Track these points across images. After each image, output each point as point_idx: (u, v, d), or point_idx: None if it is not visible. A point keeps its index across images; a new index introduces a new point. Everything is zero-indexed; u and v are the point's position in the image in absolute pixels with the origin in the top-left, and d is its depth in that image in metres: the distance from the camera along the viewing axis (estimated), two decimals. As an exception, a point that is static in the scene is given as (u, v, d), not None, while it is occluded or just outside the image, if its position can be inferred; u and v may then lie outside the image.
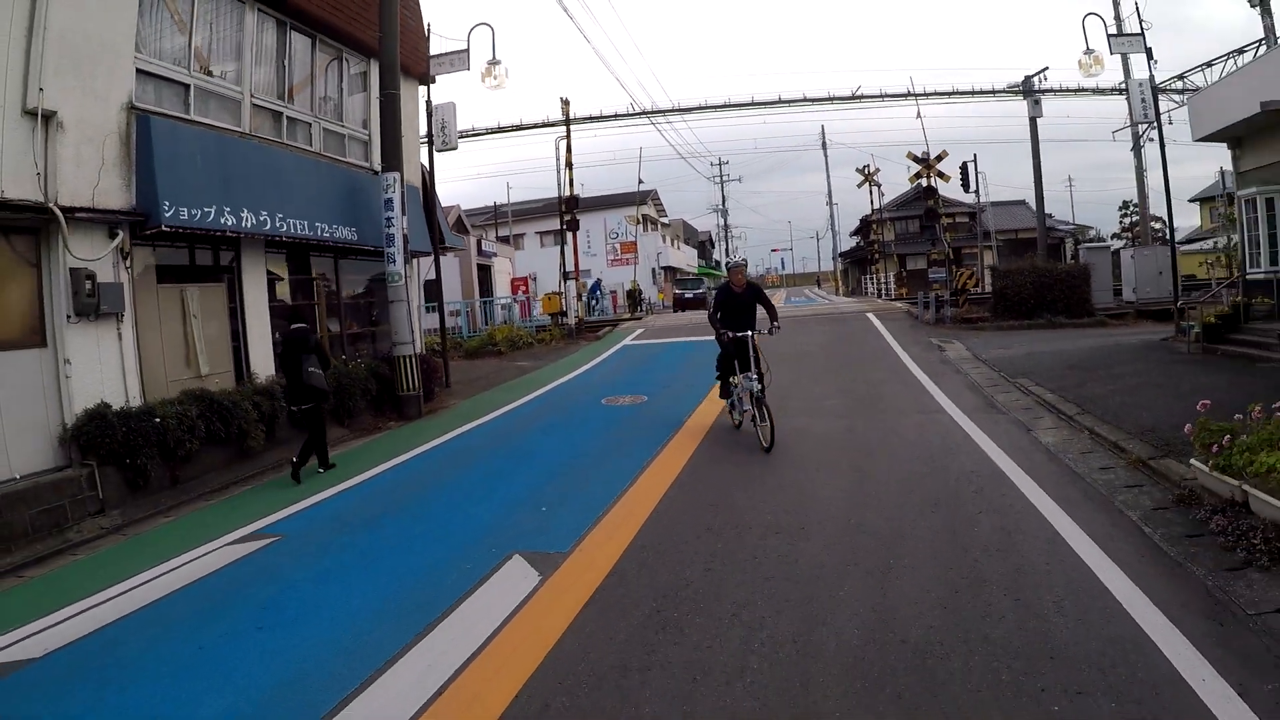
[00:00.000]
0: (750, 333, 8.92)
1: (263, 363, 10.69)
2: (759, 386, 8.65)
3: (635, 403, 12.40)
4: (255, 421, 9.52)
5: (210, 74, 10.29)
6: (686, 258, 70.18)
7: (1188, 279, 24.21)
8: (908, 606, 4.46)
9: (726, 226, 76.41)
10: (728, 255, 78.64)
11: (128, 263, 8.70)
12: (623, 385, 14.33)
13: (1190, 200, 45.01)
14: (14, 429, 7.58)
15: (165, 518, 8.03)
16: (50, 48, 7.81)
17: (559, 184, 27.95)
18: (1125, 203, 43.47)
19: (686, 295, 41.53)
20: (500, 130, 33.71)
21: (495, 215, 47.18)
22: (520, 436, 10.72)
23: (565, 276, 27.23)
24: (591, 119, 35.12)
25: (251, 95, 10.89)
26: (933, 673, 3.72)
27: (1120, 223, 44.65)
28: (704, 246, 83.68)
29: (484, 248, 34.92)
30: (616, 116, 35.34)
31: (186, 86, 9.81)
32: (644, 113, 35.95)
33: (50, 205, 7.68)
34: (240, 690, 4.18)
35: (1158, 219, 37.43)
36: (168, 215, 8.70)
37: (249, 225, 9.95)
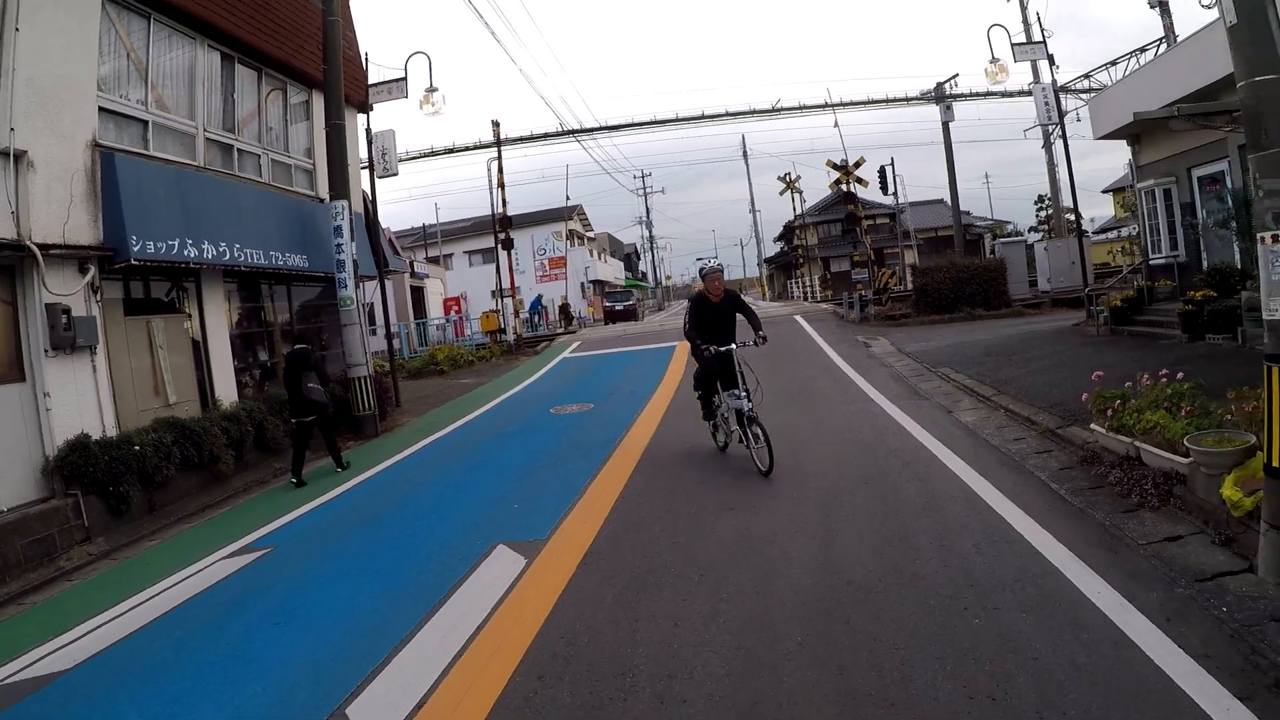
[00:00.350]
0: (734, 346, 8.03)
1: (226, 389, 11.06)
2: (749, 405, 7.67)
3: (583, 410, 12.95)
4: (225, 446, 9.91)
5: (166, 110, 10.66)
6: (614, 270, 71.11)
7: (1103, 267, 25.66)
8: (849, 557, 5.25)
9: (652, 238, 77.70)
10: (654, 267, 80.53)
11: (98, 296, 9.03)
12: (568, 395, 14.85)
13: (1104, 191, 47.20)
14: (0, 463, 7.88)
15: (150, 541, 8.38)
16: (19, 90, 8.17)
17: (492, 204, 28.41)
18: (1040, 197, 45.78)
19: (617, 307, 42.58)
20: (434, 154, 34.03)
21: (424, 236, 47.29)
22: (480, 447, 11.23)
23: (502, 294, 27.71)
24: (523, 140, 35.63)
25: (204, 129, 11.28)
26: (874, 603, 4.51)
27: (1036, 216, 46.86)
28: (630, 259, 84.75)
29: (417, 269, 35.13)
30: (547, 136, 35.94)
31: (145, 123, 10.18)
32: (572, 132, 36.64)
33: (27, 242, 8.02)
34: (273, 675, 4.70)
35: (1072, 211, 39.46)
36: (136, 249, 9.07)
37: (210, 256, 10.34)
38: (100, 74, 9.47)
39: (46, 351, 8.31)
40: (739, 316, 8.41)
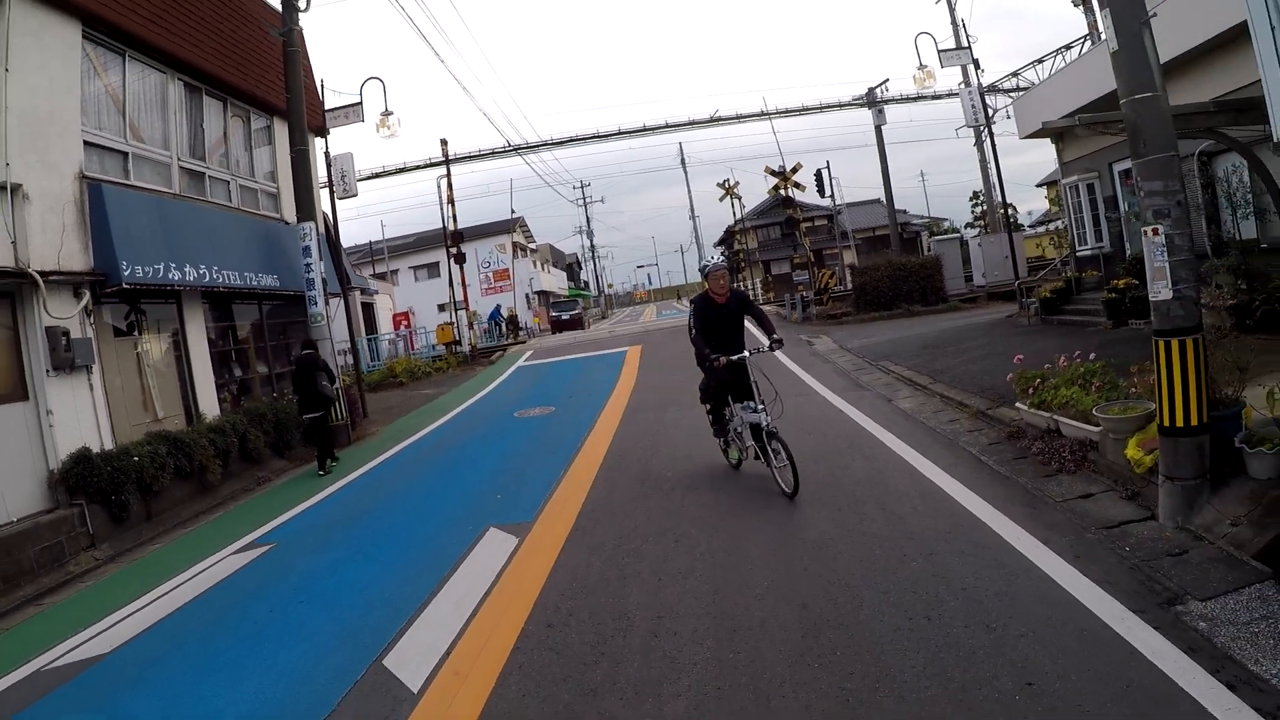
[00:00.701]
0: (747, 353, 7.18)
1: (208, 403, 11.63)
2: (767, 419, 6.83)
3: (545, 413, 13.65)
4: (212, 457, 10.49)
5: (142, 141, 11.21)
6: (557, 281, 71.90)
7: (1037, 260, 26.48)
8: (805, 522, 6.14)
9: (593, 247, 78.66)
10: (597, 276, 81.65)
11: (91, 319, 9.57)
12: (529, 400, 15.52)
13: (1037, 185, 48.82)
14: (7, 476, 8.38)
15: (152, 545, 8.97)
16: (12, 127, 8.72)
17: (443, 219, 29.08)
18: (975, 193, 47.25)
19: (563, 317, 43.72)
20: (385, 173, 34.46)
21: (371, 253, 47.48)
22: (453, 448, 11.97)
23: (455, 307, 28.34)
24: (471, 157, 36.26)
25: (178, 158, 11.85)
26: (828, 554, 5.41)
27: (972, 212, 48.28)
28: (571, 268, 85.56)
29: (367, 286, 35.45)
30: (495, 154, 36.62)
31: (125, 154, 10.75)
32: (518, 149, 37.36)
33: (29, 270, 8.58)
34: (307, 642, 5.41)
35: (1010, 205, 41.13)
36: (126, 274, 9.67)
37: (192, 279, 10.95)
38: (83, 109, 10.00)
39: (48, 372, 8.85)
40: (748, 321, 7.72)
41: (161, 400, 10.77)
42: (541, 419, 13.22)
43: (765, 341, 7.35)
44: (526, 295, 54.97)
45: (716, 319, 7.38)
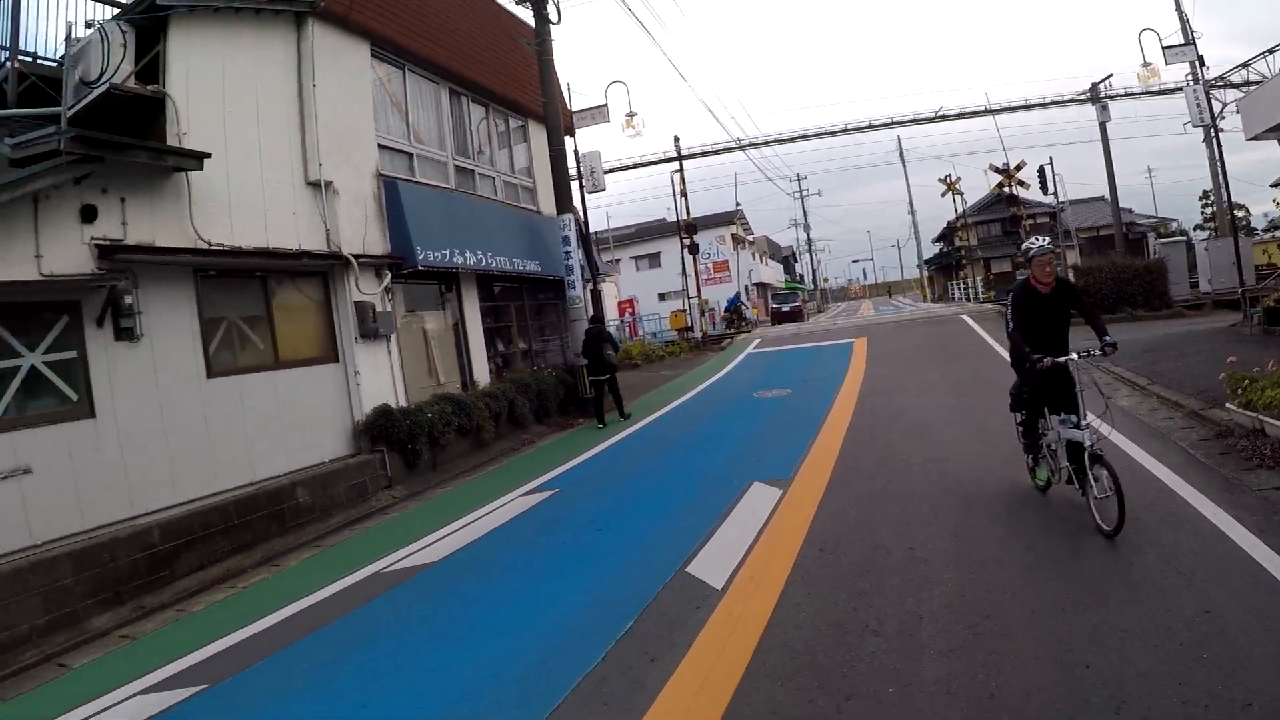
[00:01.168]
0: (1073, 356, 5.80)
1: (481, 372, 13.11)
2: (1091, 438, 5.52)
3: (782, 394, 14.19)
4: (487, 418, 11.82)
5: (423, 143, 12.79)
6: (774, 273, 71.83)
7: (1266, 268, 23.86)
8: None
9: (810, 240, 77.60)
10: (813, 269, 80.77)
11: (389, 296, 11.10)
12: (765, 383, 16.11)
13: (1272, 184, 43.39)
14: (324, 424, 9.99)
15: (439, 489, 10.32)
16: (322, 134, 10.27)
17: (676, 211, 30.64)
18: (1205, 193, 42.51)
19: (783, 309, 44.76)
20: (621, 168, 36.31)
21: (596, 243, 49.97)
22: (701, 420, 12.94)
23: (688, 295, 29.60)
24: (703, 153, 37.25)
25: (452, 158, 13.38)
26: (1050, 509, 5.68)
27: (1202, 213, 43.55)
28: (787, 261, 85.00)
29: (610, 274, 37.60)
30: (726, 150, 37.38)
31: (410, 154, 12.33)
32: (744, 145, 37.89)
33: (346, 254, 10.15)
34: (613, 557, 6.40)
35: (1242, 206, 36.81)
36: (420, 258, 11.18)
37: (470, 263, 12.42)
38: (374, 116, 11.58)
39: (356, 339, 10.40)
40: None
41: (443, 367, 12.27)
42: (780, 399, 13.78)
43: (1096, 344, 5.91)
44: (745, 287, 55.44)
45: (1038, 311, 6.06)
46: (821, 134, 39.37)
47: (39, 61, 9.18)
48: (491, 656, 4.72)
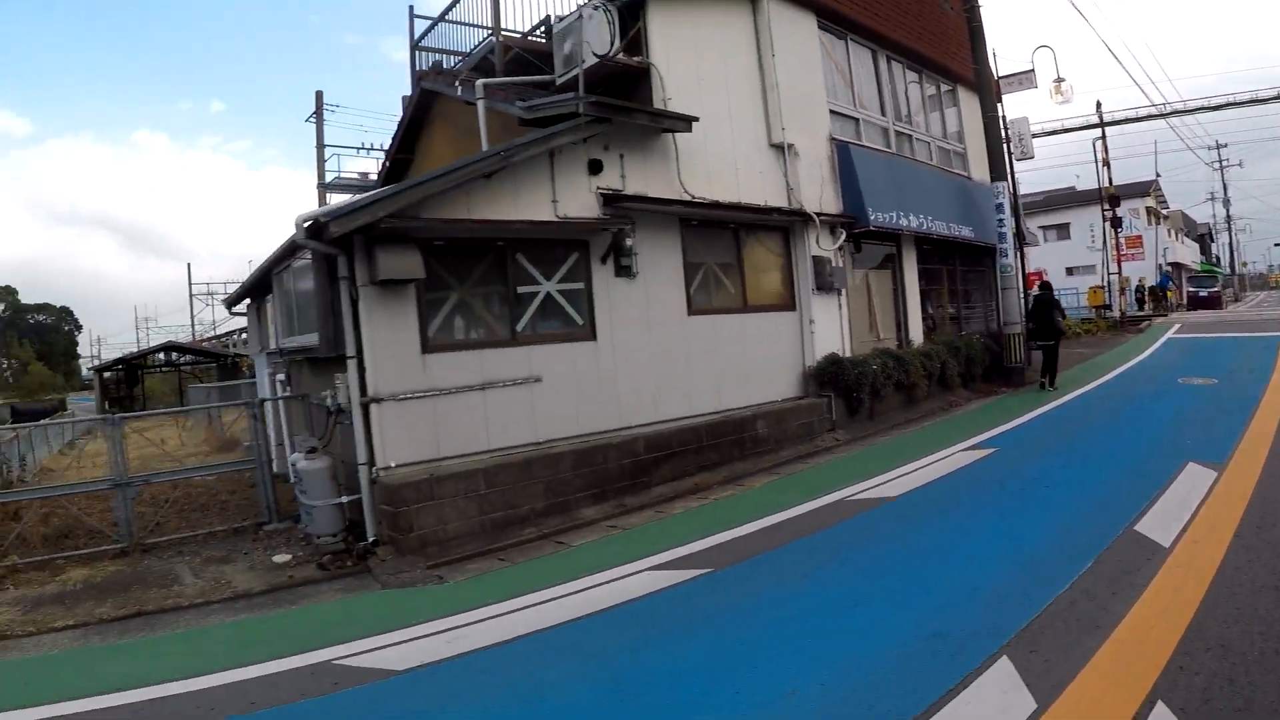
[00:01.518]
0: None
1: (916, 332, 13.48)
2: None
3: (1208, 383, 12.98)
4: (922, 376, 12.14)
5: (865, 109, 13.28)
6: (1190, 253, 61.64)
7: None
8: None
9: (1229, 218, 65.82)
10: (1232, 251, 67.78)
11: (841, 253, 11.80)
12: (1188, 369, 14.88)
13: None
14: (779, 365, 10.92)
15: (876, 438, 10.85)
16: (783, 99, 11.08)
17: (1099, 180, 28.17)
18: None
19: (1201, 294, 41.66)
20: (1040, 135, 34.19)
21: (1004, 211, 47.20)
22: (1127, 398, 12.42)
23: (1108, 271, 27.51)
24: (1125, 120, 34.02)
25: (892, 123, 13.73)
26: None
27: None
28: (1203, 240, 72.59)
29: (1039, 241, 35.88)
30: (1150, 117, 33.77)
31: (856, 120, 12.87)
32: (1168, 114, 33.96)
33: (808, 211, 10.98)
34: (1060, 512, 6.46)
35: None
36: (872, 218, 11.73)
37: (913, 224, 12.75)
38: (825, 84, 12.25)
39: (812, 291, 11.21)
40: None
41: (882, 324, 12.80)
42: (1206, 387, 12.76)
43: None
44: (1159, 266, 48.97)
45: None
46: (1253, 101, 34.24)
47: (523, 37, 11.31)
48: (966, 576, 5.17)
